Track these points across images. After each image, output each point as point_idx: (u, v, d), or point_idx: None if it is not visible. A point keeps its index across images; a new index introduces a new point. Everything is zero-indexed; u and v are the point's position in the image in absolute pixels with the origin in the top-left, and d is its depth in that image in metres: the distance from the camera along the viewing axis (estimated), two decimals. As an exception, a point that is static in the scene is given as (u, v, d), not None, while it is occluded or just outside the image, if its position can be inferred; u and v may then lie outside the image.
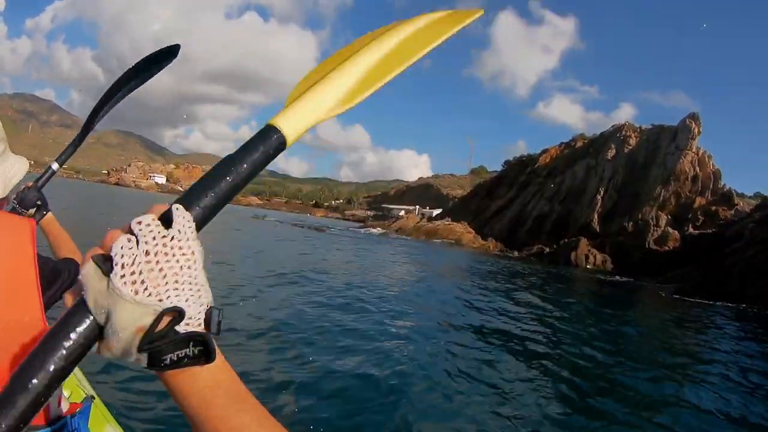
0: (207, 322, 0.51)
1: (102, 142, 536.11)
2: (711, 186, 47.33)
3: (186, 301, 0.49)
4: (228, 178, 0.57)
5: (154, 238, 0.49)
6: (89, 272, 0.47)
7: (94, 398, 1.67)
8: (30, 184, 1.73)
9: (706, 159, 48.47)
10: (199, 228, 0.54)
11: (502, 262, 39.83)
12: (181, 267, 0.49)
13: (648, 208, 47.63)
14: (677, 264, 37.63)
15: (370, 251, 29.87)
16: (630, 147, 53.45)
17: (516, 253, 49.76)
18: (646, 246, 43.42)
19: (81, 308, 0.47)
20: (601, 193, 50.45)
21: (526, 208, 58.11)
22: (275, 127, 0.62)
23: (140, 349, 0.48)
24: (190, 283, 0.50)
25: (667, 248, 42.69)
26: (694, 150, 48.14)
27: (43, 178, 1.83)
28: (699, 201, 46.53)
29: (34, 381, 0.45)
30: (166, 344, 0.48)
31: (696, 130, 48.36)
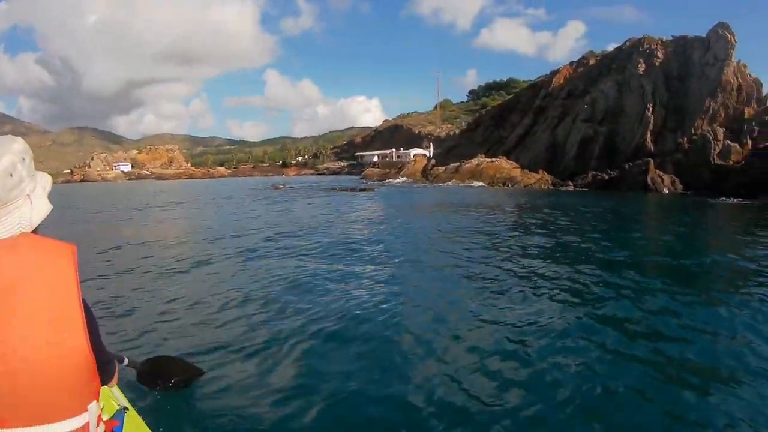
0: None
1: (57, 142, 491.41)
2: (755, 95, 48.79)
3: None
4: None
5: None
6: None
7: (127, 409, 1.82)
8: None
9: (743, 68, 49.66)
10: None
11: (567, 195, 39.26)
12: None
13: (699, 121, 48.58)
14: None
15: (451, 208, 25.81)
16: (659, 60, 53.57)
17: (571, 185, 49.34)
18: (712, 162, 44.62)
19: None
20: (650, 109, 50.60)
21: (556, 132, 57.72)
22: None
23: None
24: None
25: (732, 162, 44.13)
26: (733, 60, 49.04)
27: None
28: (748, 111, 47.87)
29: None
30: None
31: (732, 40, 49.01)
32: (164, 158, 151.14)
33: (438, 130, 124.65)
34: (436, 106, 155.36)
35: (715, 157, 44.82)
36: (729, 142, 45.28)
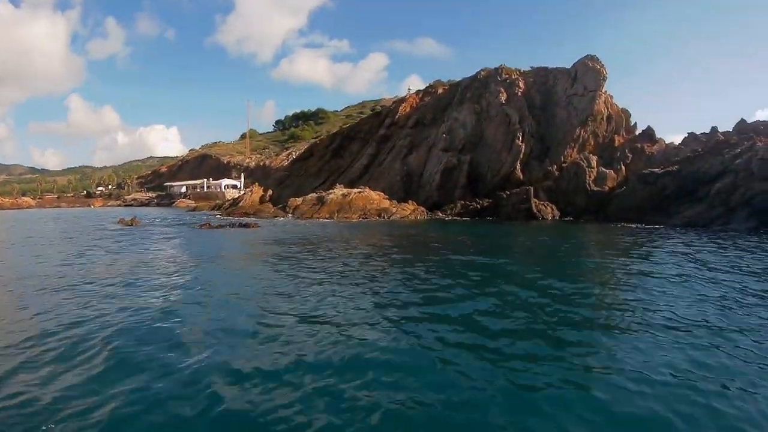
0: None
1: None
2: (623, 124, 48.02)
3: None
4: None
5: None
6: None
7: None
8: None
9: (610, 99, 48.95)
10: None
11: (470, 226, 35.99)
12: None
13: (569, 150, 46.63)
14: (642, 205, 36.73)
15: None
16: (521, 89, 51.74)
17: (440, 214, 45.19)
18: (588, 188, 42.23)
19: None
20: (520, 138, 47.78)
21: (407, 161, 53.27)
22: None
23: None
24: None
25: (607, 188, 42.01)
26: (603, 90, 48.12)
27: None
28: (618, 140, 46.77)
29: None
30: None
31: (603, 71, 48.27)
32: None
33: (247, 161, 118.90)
34: (243, 135, 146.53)
35: (591, 183, 42.51)
36: (603, 168, 43.40)
